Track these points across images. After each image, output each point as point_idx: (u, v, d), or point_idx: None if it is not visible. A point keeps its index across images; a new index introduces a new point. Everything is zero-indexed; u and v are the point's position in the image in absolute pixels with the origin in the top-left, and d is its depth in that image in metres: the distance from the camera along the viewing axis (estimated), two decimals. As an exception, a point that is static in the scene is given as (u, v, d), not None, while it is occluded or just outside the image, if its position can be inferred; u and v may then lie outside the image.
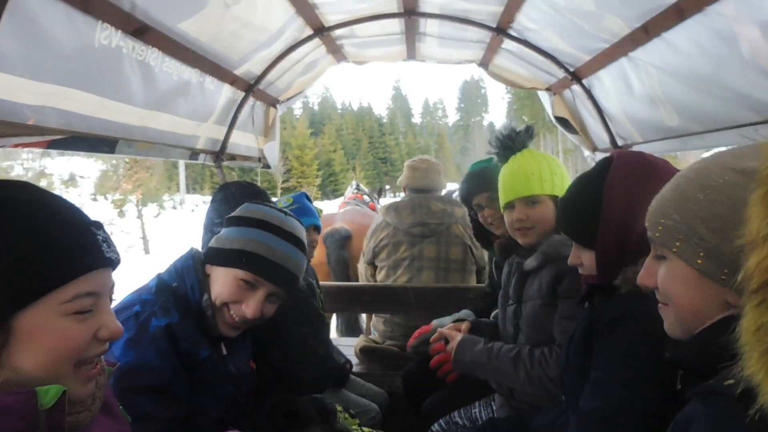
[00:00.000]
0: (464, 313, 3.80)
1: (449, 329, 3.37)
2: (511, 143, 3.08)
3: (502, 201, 3.09)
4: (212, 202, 3.49)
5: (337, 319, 7.25)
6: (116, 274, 1.57)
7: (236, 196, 3.30)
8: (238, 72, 4.05)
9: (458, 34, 4.47)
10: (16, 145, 2.28)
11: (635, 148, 3.86)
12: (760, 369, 1.14)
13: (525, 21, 3.83)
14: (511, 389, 2.98)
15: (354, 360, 4.88)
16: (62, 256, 1.38)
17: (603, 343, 2.03)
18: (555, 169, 3.01)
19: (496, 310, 3.58)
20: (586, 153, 4.84)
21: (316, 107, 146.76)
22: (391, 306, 4.92)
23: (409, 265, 4.90)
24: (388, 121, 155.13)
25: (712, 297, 1.42)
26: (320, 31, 4.27)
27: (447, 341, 3.28)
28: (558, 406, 2.56)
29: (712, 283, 1.41)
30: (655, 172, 2.07)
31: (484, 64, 5.10)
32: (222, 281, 2.40)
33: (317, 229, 3.88)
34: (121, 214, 33.50)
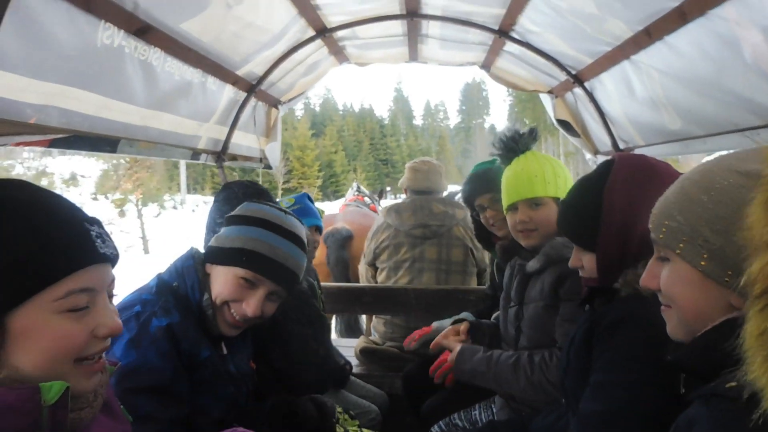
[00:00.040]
0: (464, 315, 3.79)
1: (447, 335, 3.38)
2: (514, 145, 3.08)
3: (505, 203, 3.09)
4: (215, 201, 3.48)
5: (337, 320, 7.25)
6: (115, 274, 1.56)
7: (238, 195, 3.29)
8: (240, 72, 4.04)
9: (460, 36, 4.47)
10: (18, 144, 2.28)
11: (637, 152, 3.86)
12: (763, 374, 1.14)
13: (527, 23, 3.83)
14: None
15: (354, 361, 4.87)
16: (53, 253, 1.37)
17: (603, 345, 2.02)
18: (558, 171, 3.02)
19: (497, 312, 3.58)
20: (588, 156, 4.84)
21: (317, 108, 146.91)
22: (392, 307, 4.92)
23: (410, 267, 4.89)
24: (389, 122, 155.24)
25: (715, 299, 1.42)
26: (322, 32, 4.27)
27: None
28: (558, 409, 2.55)
29: (716, 285, 1.41)
30: (656, 175, 2.07)
31: (486, 66, 5.10)
32: (222, 280, 2.39)
33: (319, 229, 3.88)
34: (122, 213, 33.47)
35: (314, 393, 3.02)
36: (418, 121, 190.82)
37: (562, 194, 2.90)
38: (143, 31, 2.72)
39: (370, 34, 4.51)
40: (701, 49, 2.58)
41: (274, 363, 3.03)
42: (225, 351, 2.54)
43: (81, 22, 2.31)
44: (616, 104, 3.90)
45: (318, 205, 4.11)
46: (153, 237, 31.40)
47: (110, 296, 1.55)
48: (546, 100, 4.98)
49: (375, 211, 9.12)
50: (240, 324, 2.43)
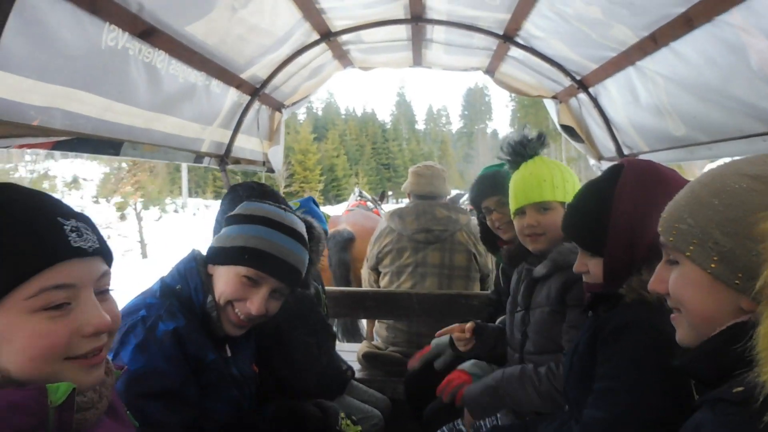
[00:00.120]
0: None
1: (452, 329, 3.42)
2: (522, 150, 3.09)
3: (512, 207, 3.09)
4: (221, 205, 3.47)
5: (335, 323, 7.24)
6: (106, 268, 1.52)
7: (242, 197, 3.29)
8: (244, 76, 4.04)
9: (465, 41, 4.47)
10: (21, 146, 2.27)
11: (641, 157, 3.85)
12: None
13: (532, 29, 3.83)
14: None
15: (356, 366, 4.86)
16: (20, 251, 1.33)
17: (607, 351, 2.02)
18: (567, 176, 3.02)
19: (502, 317, 3.58)
20: (592, 162, 4.83)
21: (319, 112, 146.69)
22: (395, 312, 4.90)
23: (413, 272, 4.88)
24: (391, 127, 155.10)
25: (725, 302, 1.41)
26: (327, 36, 4.28)
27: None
28: (561, 415, 2.54)
29: (725, 288, 1.40)
30: (664, 180, 2.07)
31: (490, 71, 5.11)
32: (225, 279, 2.39)
33: (325, 233, 3.87)
34: (123, 217, 33.34)
35: (314, 399, 3.01)
36: (420, 126, 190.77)
37: (570, 199, 2.90)
38: (148, 33, 2.72)
39: (375, 38, 4.52)
40: (707, 55, 2.57)
41: (277, 370, 3.02)
42: (229, 353, 2.53)
43: (86, 23, 2.31)
44: (621, 110, 3.89)
45: (320, 209, 4.10)
46: (153, 241, 31.18)
47: (103, 291, 1.51)
48: (550, 105, 4.98)
49: (378, 215, 9.11)
50: (245, 323, 2.42)
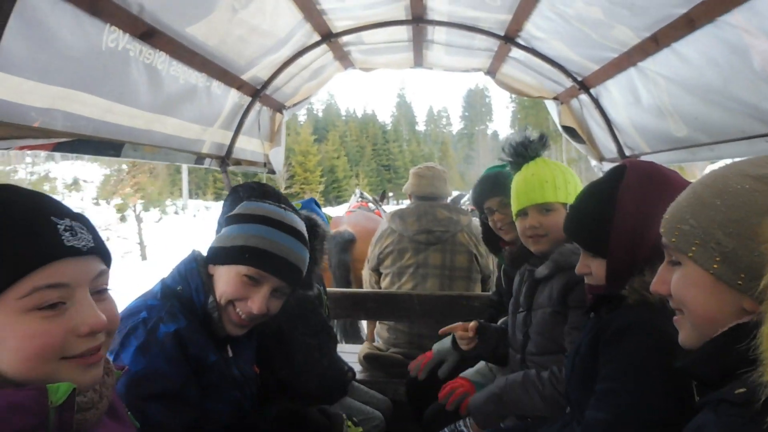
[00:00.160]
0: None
1: (455, 327, 3.41)
2: (524, 151, 3.10)
3: (515, 208, 3.09)
4: (223, 206, 3.47)
5: (335, 324, 7.23)
6: (103, 267, 1.50)
7: (243, 198, 3.28)
8: (244, 77, 4.04)
9: (466, 42, 4.46)
10: (22, 148, 2.27)
11: (643, 158, 3.85)
12: None
13: (533, 30, 3.83)
14: None
15: (357, 367, 4.85)
16: (10, 250, 1.32)
17: (609, 353, 2.02)
18: (569, 177, 3.03)
19: (504, 318, 3.58)
20: (593, 163, 4.83)
21: (320, 114, 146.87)
22: (396, 313, 4.90)
23: (414, 273, 4.88)
24: (392, 128, 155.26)
25: (727, 303, 1.41)
26: (328, 37, 4.27)
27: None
28: (563, 417, 2.53)
29: (728, 289, 1.40)
30: (668, 181, 2.08)
31: (491, 72, 5.11)
32: (226, 279, 2.38)
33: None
34: (123, 219, 33.25)
35: (316, 402, 3.01)
36: (420, 127, 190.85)
37: (573, 200, 2.90)
38: (149, 34, 2.72)
39: (376, 39, 4.51)
40: (709, 56, 2.57)
41: (278, 371, 3.02)
42: (230, 354, 2.53)
43: (86, 25, 2.31)
44: (622, 111, 3.89)
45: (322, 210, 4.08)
46: (153, 243, 31.05)
47: (100, 291, 1.50)
48: (551, 106, 4.98)
49: (380, 216, 9.09)
50: (246, 323, 2.42)
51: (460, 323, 3.43)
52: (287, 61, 4.29)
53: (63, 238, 1.39)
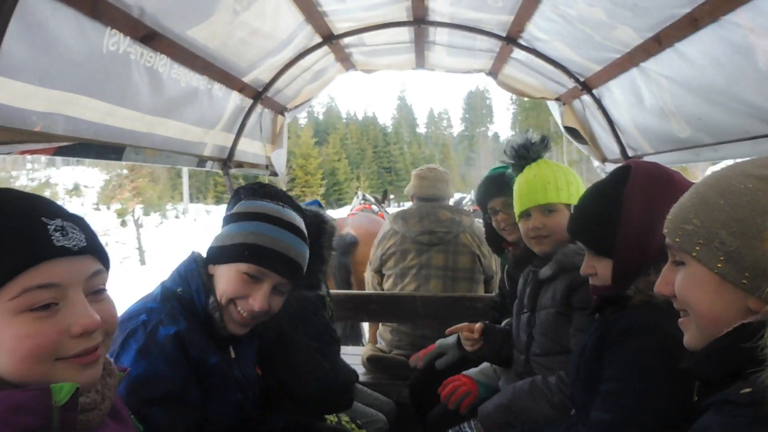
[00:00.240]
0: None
1: (460, 327, 3.41)
2: (526, 153, 3.11)
3: (517, 209, 3.09)
4: (226, 209, 3.46)
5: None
6: (98, 267, 1.50)
7: (242, 198, 3.28)
8: (246, 79, 4.03)
9: (467, 43, 4.46)
10: (23, 152, 2.26)
11: (646, 159, 3.84)
12: None
13: (535, 31, 3.82)
14: None
15: (361, 369, 4.86)
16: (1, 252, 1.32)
17: (614, 353, 2.02)
18: (571, 178, 3.04)
19: (508, 319, 3.57)
20: (596, 164, 4.82)
21: (320, 117, 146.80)
22: (399, 315, 4.90)
23: (417, 274, 4.88)
24: (392, 130, 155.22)
25: (732, 302, 1.41)
26: (329, 38, 4.27)
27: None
28: (568, 419, 2.53)
29: (733, 288, 1.40)
30: (673, 182, 2.08)
31: (493, 73, 5.10)
32: (226, 278, 2.37)
33: None
34: (123, 223, 33.26)
35: (317, 406, 2.99)
36: (421, 129, 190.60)
37: (575, 201, 2.92)
38: (149, 37, 2.71)
39: (377, 41, 4.51)
40: (712, 56, 2.56)
41: (279, 374, 3.01)
42: (233, 355, 2.52)
43: (87, 28, 2.30)
44: (625, 112, 3.88)
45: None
46: (152, 247, 31.01)
47: (96, 291, 1.49)
48: (554, 107, 4.97)
49: (383, 218, 9.09)
50: (248, 321, 2.40)
51: (466, 324, 3.42)
52: (288, 63, 4.29)
53: (53, 238, 1.38)
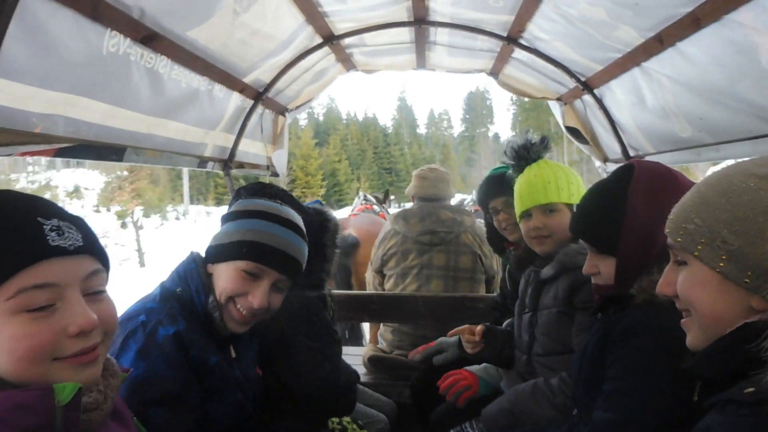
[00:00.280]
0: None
1: (462, 330, 3.41)
2: (526, 153, 3.11)
3: (518, 210, 3.10)
4: (228, 209, 3.46)
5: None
6: (96, 267, 1.49)
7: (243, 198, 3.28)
8: (247, 80, 4.04)
9: (468, 43, 4.46)
10: (23, 154, 2.26)
11: (647, 159, 3.84)
12: None
13: (536, 30, 3.82)
14: None
15: (361, 369, 4.86)
16: None
17: (617, 353, 2.01)
18: (571, 178, 3.04)
19: (509, 320, 3.57)
20: (597, 164, 4.83)
21: (321, 118, 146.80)
22: (400, 315, 4.90)
23: (418, 274, 4.88)
24: (393, 131, 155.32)
25: (735, 302, 1.40)
26: (330, 39, 4.27)
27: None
28: (570, 419, 2.52)
29: (735, 287, 1.39)
30: (677, 181, 2.08)
31: (494, 73, 5.10)
32: (225, 276, 2.36)
33: None
34: (124, 225, 33.23)
35: (319, 408, 2.98)
36: (421, 130, 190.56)
37: (576, 201, 2.93)
38: (150, 38, 2.71)
39: (378, 41, 4.51)
40: (714, 55, 2.56)
41: (280, 374, 3.00)
42: (234, 354, 2.52)
43: (87, 30, 2.30)
44: (626, 112, 3.88)
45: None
46: (152, 249, 30.91)
47: (96, 292, 1.49)
48: (555, 107, 4.96)
49: (385, 218, 9.07)
50: (248, 319, 2.39)
51: (468, 326, 3.42)
52: (289, 63, 4.29)
53: (48, 238, 1.38)
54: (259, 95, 4.41)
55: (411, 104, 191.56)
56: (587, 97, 4.28)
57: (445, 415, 3.48)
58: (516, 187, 3.12)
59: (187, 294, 2.36)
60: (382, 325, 5.39)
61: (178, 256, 2.53)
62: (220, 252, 2.41)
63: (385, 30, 4.22)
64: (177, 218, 53.38)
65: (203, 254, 2.52)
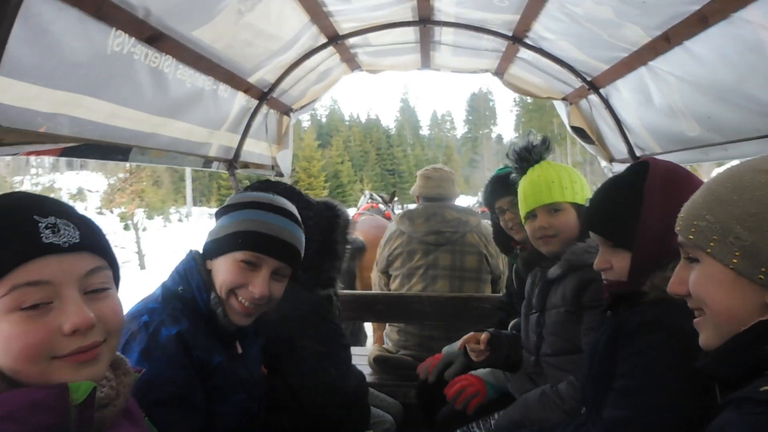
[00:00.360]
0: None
1: (468, 339, 3.39)
2: (528, 155, 3.13)
3: (523, 211, 3.10)
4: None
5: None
6: (95, 264, 1.47)
7: None
8: (251, 80, 4.03)
9: (473, 42, 4.45)
10: (29, 153, 2.25)
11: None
12: None
13: (541, 30, 3.81)
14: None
15: (367, 370, 4.84)
16: None
17: (628, 350, 2.01)
18: (575, 177, 3.04)
19: (515, 320, 3.56)
20: (603, 164, 4.81)
21: (323, 119, 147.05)
22: (406, 315, 4.90)
23: (424, 274, 4.87)
24: (395, 132, 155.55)
25: (749, 298, 1.39)
26: (334, 39, 4.27)
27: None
28: (578, 418, 2.51)
29: (749, 284, 1.38)
30: (691, 179, 2.10)
31: (499, 73, 5.09)
32: (224, 269, 2.36)
33: None
34: (127, 227, 33.16)
35: (323, 413, 2.97)
36: (424, 131, 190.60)
37: (580, 200, 2.95)
38: (154, 38, 2.70)
39: (383, 41, 4.50)
40: (722, 54, 2.54)
41: (287, 378, 2.99)
42: (240, 350, 2.51)
43: (92, 29, 2.29)
44: (633, 111, 3.87)
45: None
46: (154, 251, 30.86)
47: (97, 290, 1.48)
48: (560, 107, 4.96)
49: (389, 218, 9.05)
50: (251, 310, 2.38)
51: (473, 334, 3.41)
52: (294, 63, 4.29)
53: (42, 235, 1.37)
54: (263, 95, 4.41)
55: (414, 106, 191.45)
56: (593, 97, 4.26)
57: (451, 415, 3.47)
58: (519, 189, 3.13)
59: (188, 292, 2.35)
60: (387, 325, 5.40)
61: (179, 258, 2.53)
62: (216, 246, 2.41)
63: (390, 30, 4.21)
64: (180, 220, 53.48)
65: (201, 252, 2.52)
